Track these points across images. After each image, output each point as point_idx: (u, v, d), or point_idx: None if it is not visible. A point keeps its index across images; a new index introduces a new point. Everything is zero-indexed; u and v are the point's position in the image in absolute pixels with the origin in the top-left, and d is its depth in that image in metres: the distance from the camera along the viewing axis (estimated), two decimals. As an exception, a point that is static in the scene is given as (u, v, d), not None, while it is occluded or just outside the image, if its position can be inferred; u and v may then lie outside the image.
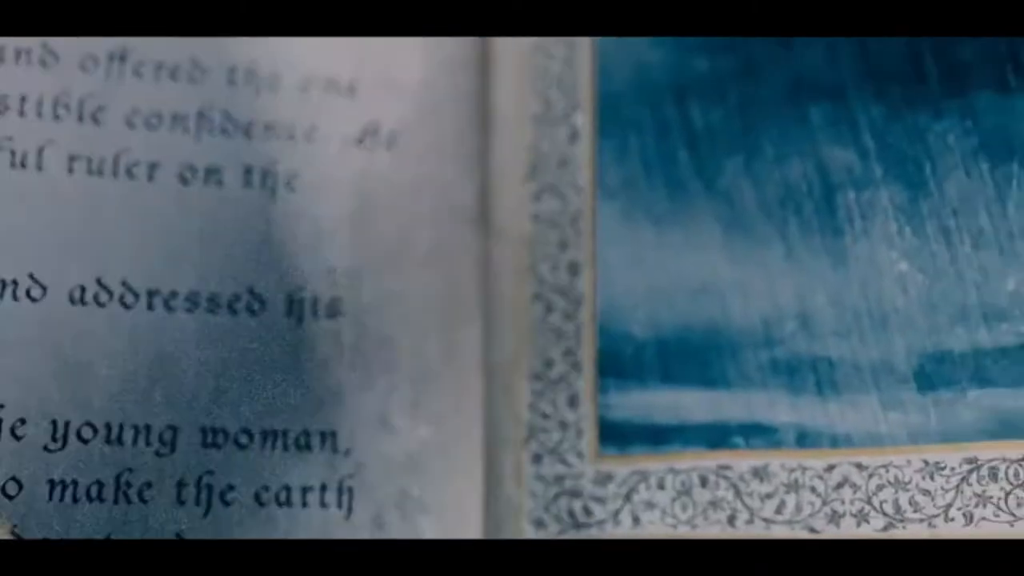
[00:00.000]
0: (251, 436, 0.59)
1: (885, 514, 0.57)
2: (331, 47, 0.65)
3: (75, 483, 0.56)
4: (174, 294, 0.60)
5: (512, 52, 0.67)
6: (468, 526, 0.61)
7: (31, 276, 0.58)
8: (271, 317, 0.60)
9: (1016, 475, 0.56)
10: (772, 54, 0.62)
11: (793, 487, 0.59)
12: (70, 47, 0.61)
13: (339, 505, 0.59)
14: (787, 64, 0.62)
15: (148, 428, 0.58)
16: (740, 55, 0.63)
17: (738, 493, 0.59)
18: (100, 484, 0.57)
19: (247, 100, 0.63)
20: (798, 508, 0.59)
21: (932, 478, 0.57)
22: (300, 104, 0.63)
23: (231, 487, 0.58)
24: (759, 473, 0.59)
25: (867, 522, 0.57)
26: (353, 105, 0.64)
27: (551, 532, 0.61)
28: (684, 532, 0.59)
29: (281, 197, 0.62)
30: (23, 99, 0.60)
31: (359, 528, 0.59)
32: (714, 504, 0.60)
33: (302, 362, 0.60)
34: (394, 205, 0.64)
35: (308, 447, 0.60)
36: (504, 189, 0.66)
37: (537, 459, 0.62)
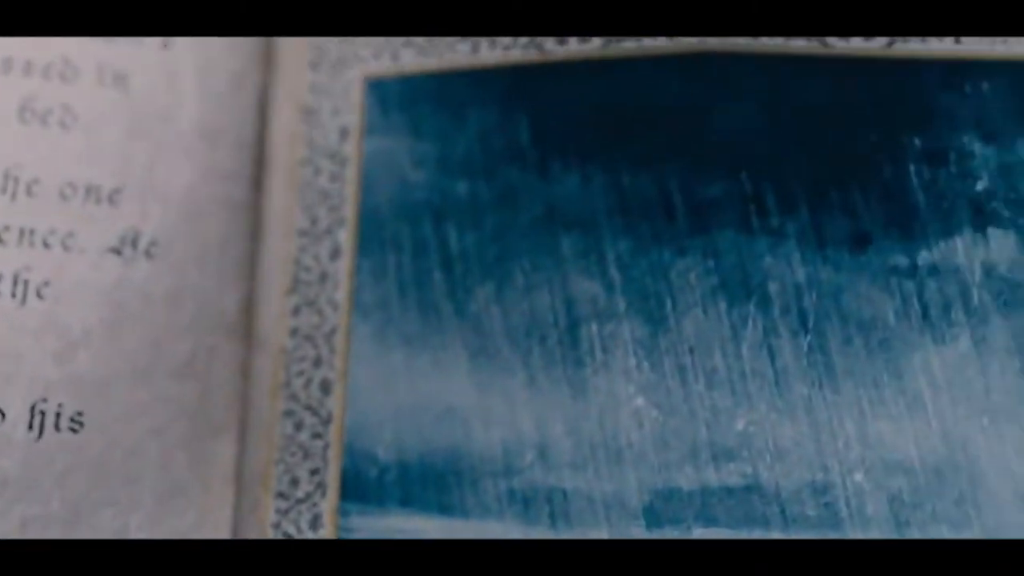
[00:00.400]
0: (-21, 550, 0.60)
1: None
2: (95, 153, 0.67)
3: None
4: (-90, 402, 0.61)
5: (283, 164, 0.69)
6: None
7: None
8: (10, 429, 0.61)
9: (736, 615, 0.59)
10: (529, 183, 0.65)
11: (523, 618, 0.61)
12: None
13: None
14: (543, 193, 0.65)
15: None
16: (499, 182, 0.65)
17: (468, 622, 0.61)
18: None
19: (2, 205, 0.65)
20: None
21: (656, 615, 0.60)
22: (59, 210, 0.65)
23: (-46, 602, 0.59)
24: (490, 602, 0.61)
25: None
26: (114, 212, 0.66)
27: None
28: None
29: (31, 305, 0.64)
30: None
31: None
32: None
33: (40, 477, 0.62)
34: (149, 315, 0.65)
35: (40, 562, 0.61)
36: (268, 301, 0.67)
37: (276, 579, 0.64)
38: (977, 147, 0.64)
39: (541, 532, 0.60)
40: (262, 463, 0.65)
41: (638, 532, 0.59)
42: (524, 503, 0.61)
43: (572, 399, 0.61)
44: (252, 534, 0.64)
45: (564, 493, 0.61)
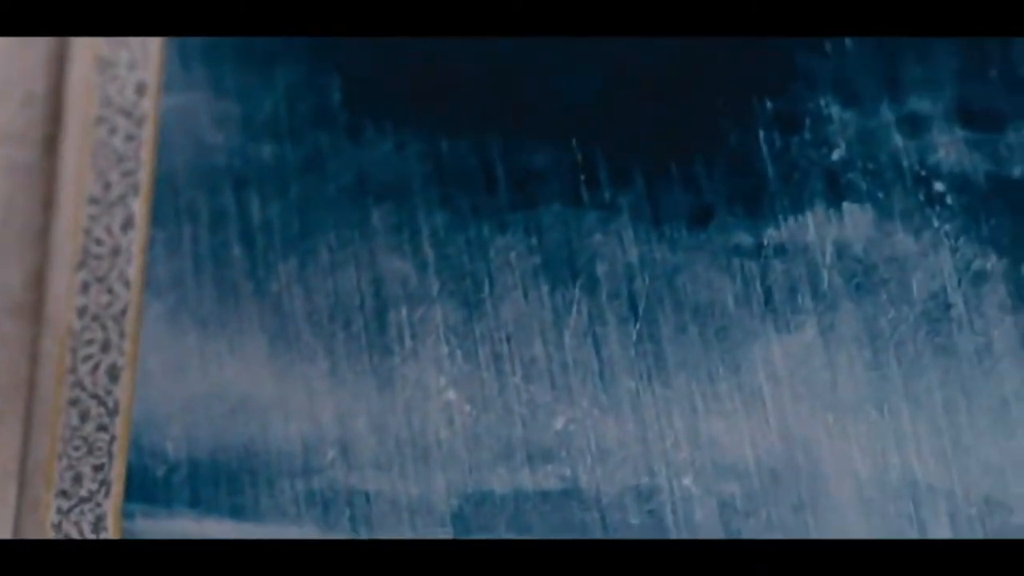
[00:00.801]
0: None
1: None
2: None
3: None
4: None
5: (77, 122, 0.64)
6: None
7: None
8: None
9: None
10: (338, 148, 0.60)
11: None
12: None
13: None
14: (353, 159, 0.60)
15: None
16: (306, 146, 0.60)
17: (259, 637, 0.57)
18: None
19: None
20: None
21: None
22: None
23: None
24: (285, 615, 0.57)
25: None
26: None
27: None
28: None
29: None
30: None
31: None
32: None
33: None
34: (-82, 293, 0.61)
35: None
36: (57, 277, 0.63)
37: (54, 587, 0.59)
38: (835, 111, 0.59)
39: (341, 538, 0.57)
40: (45, 457, 0.61)
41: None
42: (324, 506, 0.56)
43: (378, 391, 0.56)
44: (32, 536, 0.60)
45: (367, 496, 0.56)
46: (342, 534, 0.56)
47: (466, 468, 0.55)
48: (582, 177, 0.57)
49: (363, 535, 0.56)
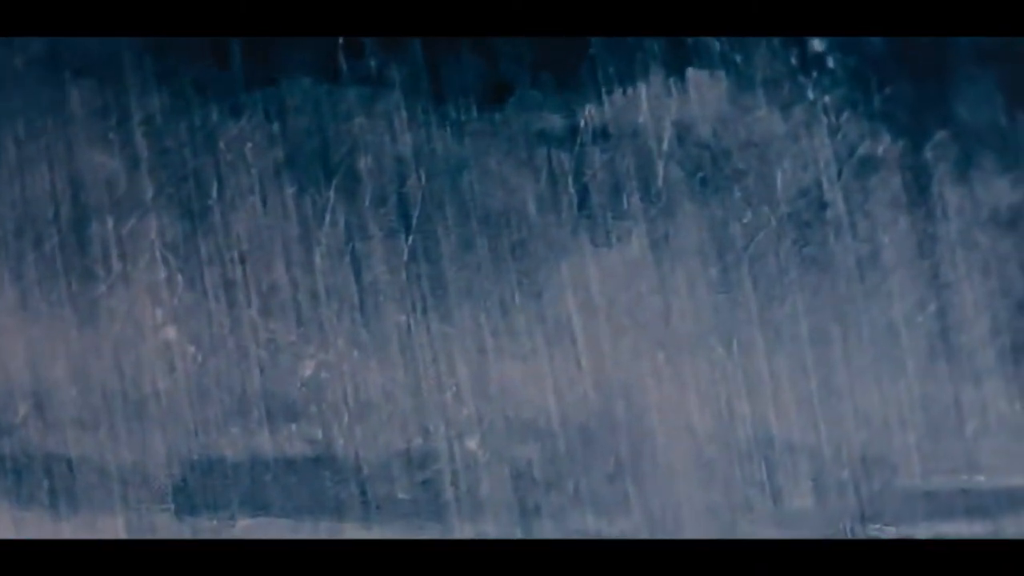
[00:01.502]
0: None
1: None
2: None
3: None
4: None
5: None
6: None
7: None
8: None
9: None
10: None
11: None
12: None
13: None
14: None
15: None
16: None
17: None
18: None
19: None
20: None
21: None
22: None
23: None
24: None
25: None
26: None
27: None
28: None
29: None
30: None
31: None
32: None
33: None
34: None
35: None
36: None
37: None
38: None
39: (37, 517, 0.47)
40: None
41: (165, 520, 0.46)
42: (16, 475, 0.47)
43: (79, 328, 0.47)
44: None
45: (69, 463, 0.47)
46: (39, 510, 0.47)
47: (191, 428, 0.46)
48: (340, 41, 0.47)
49: (64, 513, 0.47)
